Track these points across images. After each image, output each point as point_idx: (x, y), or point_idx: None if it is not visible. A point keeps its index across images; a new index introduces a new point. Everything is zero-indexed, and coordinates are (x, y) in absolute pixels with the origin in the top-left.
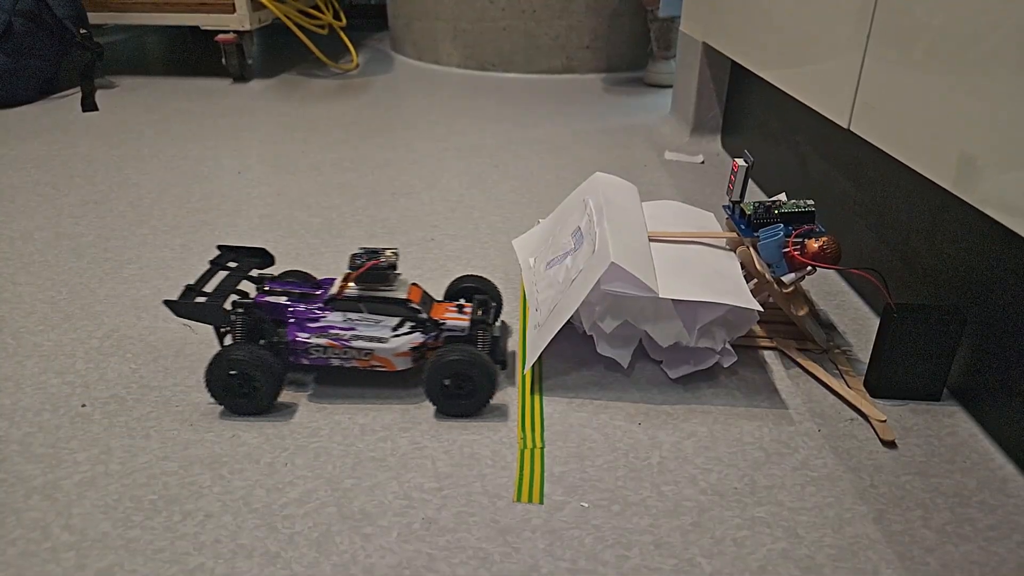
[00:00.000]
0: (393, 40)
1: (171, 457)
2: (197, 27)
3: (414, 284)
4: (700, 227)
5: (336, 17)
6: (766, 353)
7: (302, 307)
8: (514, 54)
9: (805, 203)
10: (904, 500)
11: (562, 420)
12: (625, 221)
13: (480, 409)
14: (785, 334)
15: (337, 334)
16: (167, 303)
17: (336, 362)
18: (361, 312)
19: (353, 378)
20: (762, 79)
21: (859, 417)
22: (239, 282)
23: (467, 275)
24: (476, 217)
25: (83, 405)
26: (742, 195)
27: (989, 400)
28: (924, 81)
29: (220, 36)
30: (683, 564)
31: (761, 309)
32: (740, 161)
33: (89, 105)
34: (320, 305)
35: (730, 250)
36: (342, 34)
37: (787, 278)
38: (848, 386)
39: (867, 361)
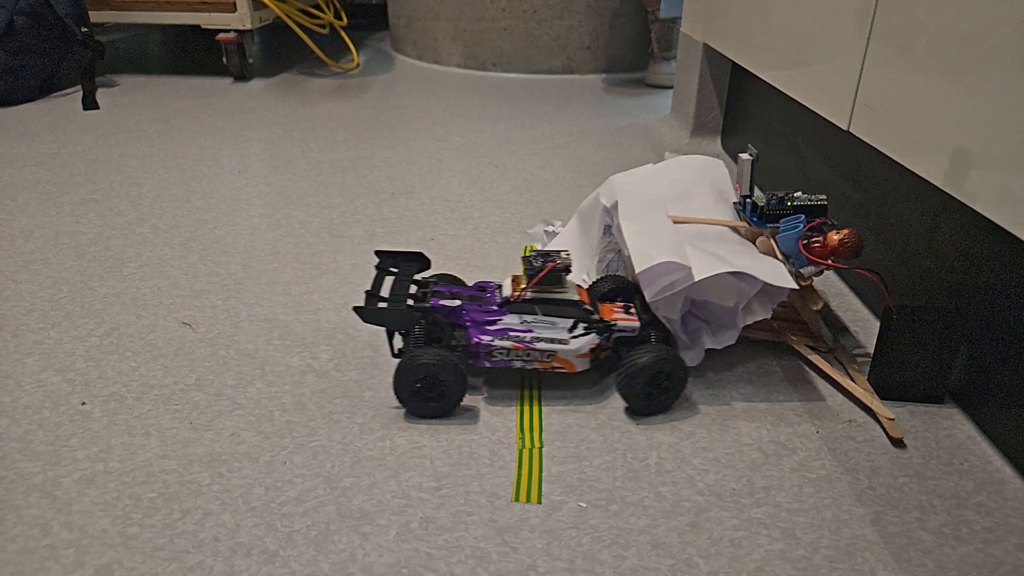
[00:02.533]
0: (393, 40)
1: (170, 455)
2: (198, 26)
3: (579, 285)
4: (713, 179)
5: (337, 16)
6: (764, 354)
7: (478, 310)
8: (514, 54)
9: (817, 197)
10: (901, 502)
11: (560, 420)
12: (642, 213)
13: (672, 405)
14: (791, 331)
15: (518, 336)
16: (356, 310)
17: (518, 364)
18: (536, 314)
19: (347, 377)
20: (762, 80)
21: (857, 419)
22: (410, 286)
23: (606, 276)
24: (476, 217)
25: (83, 403)
26: (750, 189)
27: (987, 402)
28: (924, 83)
29: (221, 35)
30: (680, 564)
31: (796, 286)
32: (744, 155)
33: (90, 104)
34: (495, 307)
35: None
36: (343, 34)
37: (806, 271)
38: (856, 384)
39: (869, 362)
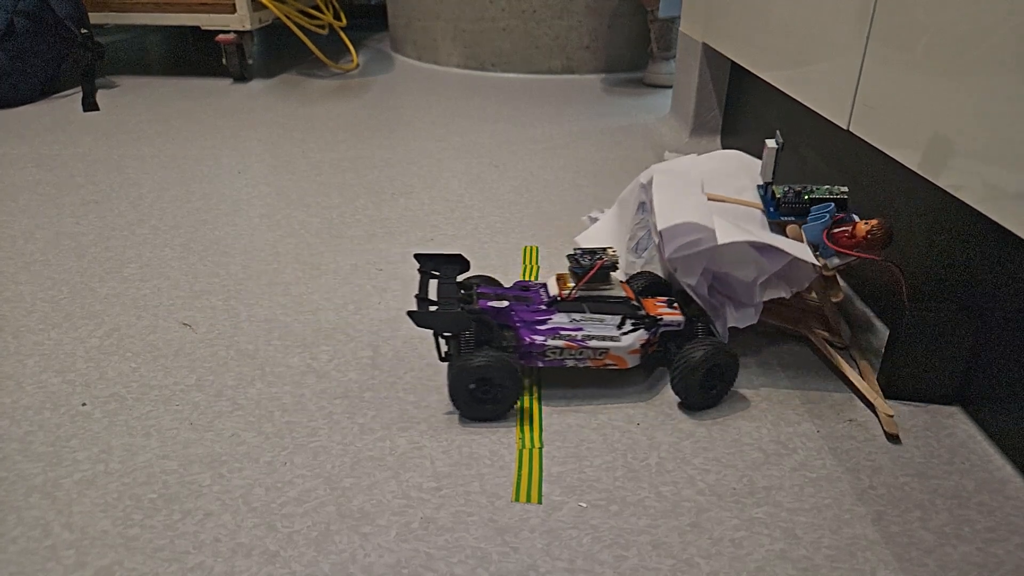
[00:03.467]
0: (393, 40)
1: (171, 456)
2: (198, 27)
3: (622, 282)
4: (751, 173)
5: (336, 17)
6: (764, 353)
7: (526, 310)
8: (514, 54)
9: (839, 189)
10: (903, 501)
11: (560, 420)
12: (675, 183)
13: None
14: (810, 322)
15: (569, 335)
16: (411, 315)
17: (571, 363)
18: (585, 312)
19: (347, 377)
20: (762, 80)
21: (857, 419)
22: (457, 289)
23: (642, 272)
24: (476, 217)
25: (83, 404)
26: (773, 176)
27: (988, 401)
28: (924, 83)
29: (220, 36)
30: (681, 564)
31: (817, 262)
32: (771, 142)
33: (90, 105)
34: (543, 307)
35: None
36: (342, 34)
37: (832, 262)
38: (862, 378)
39: (877, 361)
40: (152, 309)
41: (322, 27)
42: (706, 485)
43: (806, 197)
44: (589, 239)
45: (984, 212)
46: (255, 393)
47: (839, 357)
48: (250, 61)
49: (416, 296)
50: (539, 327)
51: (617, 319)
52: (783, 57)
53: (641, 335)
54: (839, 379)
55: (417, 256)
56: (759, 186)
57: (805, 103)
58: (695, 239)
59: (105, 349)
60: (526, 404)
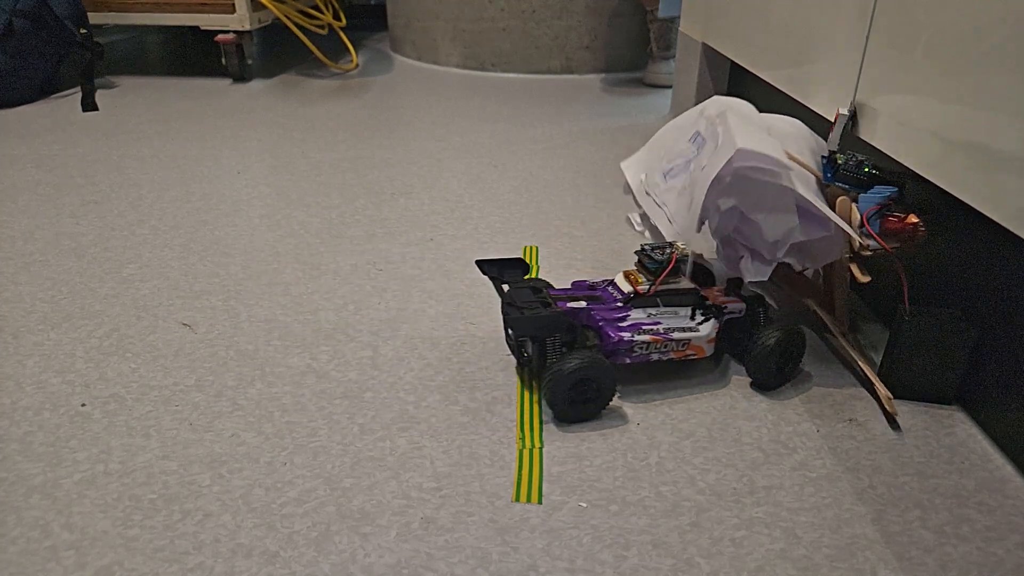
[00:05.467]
0: (393, 40)
1: (171, 456)
2: (197, 27)
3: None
4: (812, 143)
5: (336, 17)
6: None
7: (604, 308)
8: (513, 54)
9: (898, 171)
10: (902, 500)
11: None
12: (749, 123)
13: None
14: (816, 302)
15: (652, 329)
16: (513, 321)
17: (655, 356)
18: (658, 306)
19: (347, 377)
20: (762, 80)
21: (857, 418)
22: (532, 293)
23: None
24: (475, 217)
25: (83, 404)
26: (839, 145)
27: (988, 401)
28: (923, 83)
29: (220, 36)
30: (681, 564)
31: (857, 237)
32: (843, 110)
33: (89, 105)
34: (620, 304)
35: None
36: (342, 34)
37: (871, 244)
38: (863, 364)
39: (874, 356)
40: (152, 309)
41: (322, 27)
42: (706, 485)
43: (866, 169)
44: (631, 163)
45: (984, 212)
46: (255, 393)
47: (841, 339)
48: (250, 61)
49: (508, 303)
50: (621, 324)
51: (688, 310)
52: (783, 57)
53: (714, 324)
54: (838, 363)
55: (479, 263)
56: (823, 156)
57: (805, 103)
58: (764, 167)
59: (105, 349)
60: (526, 404)
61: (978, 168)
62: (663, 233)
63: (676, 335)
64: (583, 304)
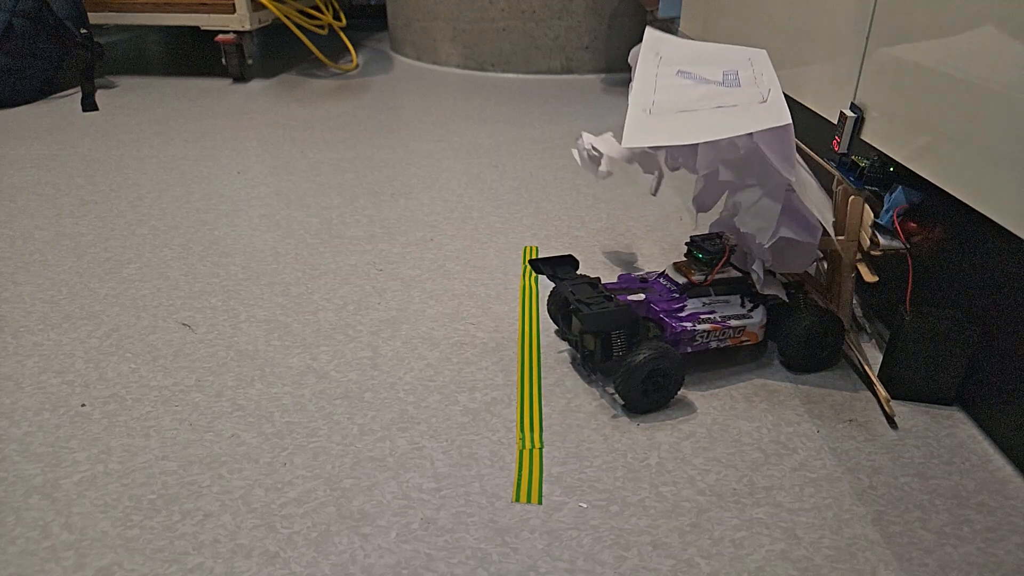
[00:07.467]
0: (392, 40)
1: (170, 456)
2: (197, 27)
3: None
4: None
5: (336, 17)
6: (764, 353)
7: (661, 300)
8: (513, 54)
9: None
10: (903, 501)
11: (561, 420)
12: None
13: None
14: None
15: (710, 318)
16: (584, 317)
17: (714, 344)
18: (711, 295)
19: (347, 377)
20: None
21: (857, 419)
22: (592, 288)
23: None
24: (475, 217)
25: (83, 404)
26: (849, 148)
27: (988, 402)
28: (923, 83)
29: (220, 36)
30: (681, 565)
31: (832, 231)
32: (849, 112)
33: (89, 105)
34: (676, 295)
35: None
36: (342, 34)
37: (885, 242)
38: (860, 363)
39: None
40: (151, 309)
41: (321, 27)
42: (706, 485)
43: (891, 169)
44: (635, 93)
45: (984, 212)
46: (255, 394)
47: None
48: (250, 61)
49: (576, 299)
50: (680, 314)
51: (738, 297)
52: (783, 57)
53: (763, 310)
54: (840, 363)
55: (531, 263)
56: (835, 160)
57: (804, 103)
58: (789, 155)
59: (104, 350)
60: (526, 404)
61: (978, 168)
62: (606, 147)
63: (733, 322)
64: (642, 296)
